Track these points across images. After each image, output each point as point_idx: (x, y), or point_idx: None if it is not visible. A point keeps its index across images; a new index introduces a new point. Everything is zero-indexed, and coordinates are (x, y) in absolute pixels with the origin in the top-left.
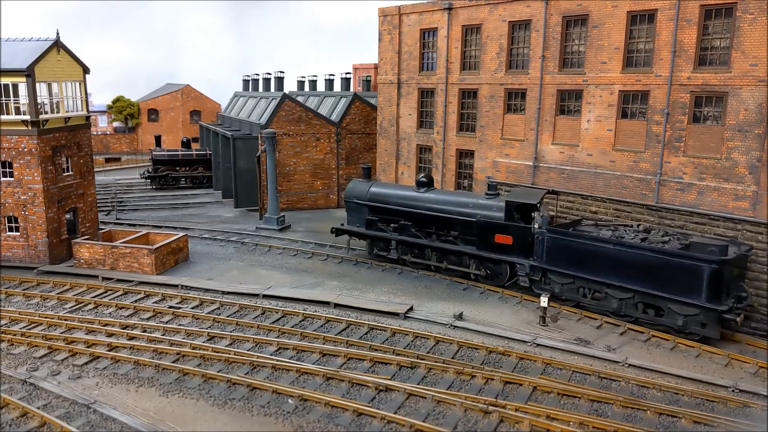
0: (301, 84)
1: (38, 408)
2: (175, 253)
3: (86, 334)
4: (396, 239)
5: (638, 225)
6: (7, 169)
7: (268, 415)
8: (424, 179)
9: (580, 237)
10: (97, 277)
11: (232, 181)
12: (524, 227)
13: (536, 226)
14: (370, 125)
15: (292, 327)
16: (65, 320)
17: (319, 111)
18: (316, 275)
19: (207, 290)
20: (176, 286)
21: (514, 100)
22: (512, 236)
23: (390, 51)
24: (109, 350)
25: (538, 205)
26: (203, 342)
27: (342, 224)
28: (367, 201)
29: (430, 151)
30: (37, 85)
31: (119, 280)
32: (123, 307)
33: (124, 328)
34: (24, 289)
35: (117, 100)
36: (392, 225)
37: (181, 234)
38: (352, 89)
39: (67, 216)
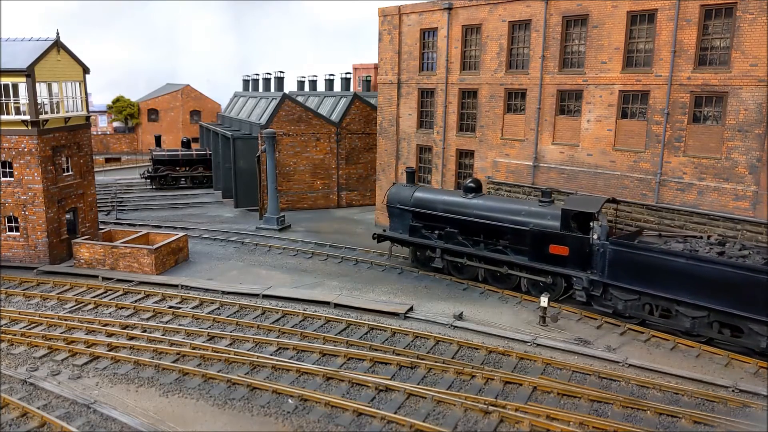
0: (301, 84)
1: (38, 408)
2: (175, 253)
3: (86, 334)
4: (441, 247)
5: (709, 237)
6: (7, 169)
7: (268, 415)
8: (472, 184)
9: (649, 250)
10: (97, 277)
11: (232, 181)
12: (582, 238)
13: (595, 236)
14: (370, 125)
15: (292, 327)
16: (65, 320)
17: (319, 111)
18: (316, 275)
19: (207, 290)
20: (176, 286)
21: (514, 100)
22: (568, 247)
23: (390, 51)
24: (109, 350)
25: (597, 214)
26: (203, 342)
27: (384, 230)
28: (410, 207)
29: (430, 151)
30: (37, 85)
31: (119, 280)
32: (123, 307)
33: (124, 328)
34: (24, 289)
35: (117, 100)
36: (437, 232)
37: (181, 234)
38: (352, 89)
39: (67, 216)
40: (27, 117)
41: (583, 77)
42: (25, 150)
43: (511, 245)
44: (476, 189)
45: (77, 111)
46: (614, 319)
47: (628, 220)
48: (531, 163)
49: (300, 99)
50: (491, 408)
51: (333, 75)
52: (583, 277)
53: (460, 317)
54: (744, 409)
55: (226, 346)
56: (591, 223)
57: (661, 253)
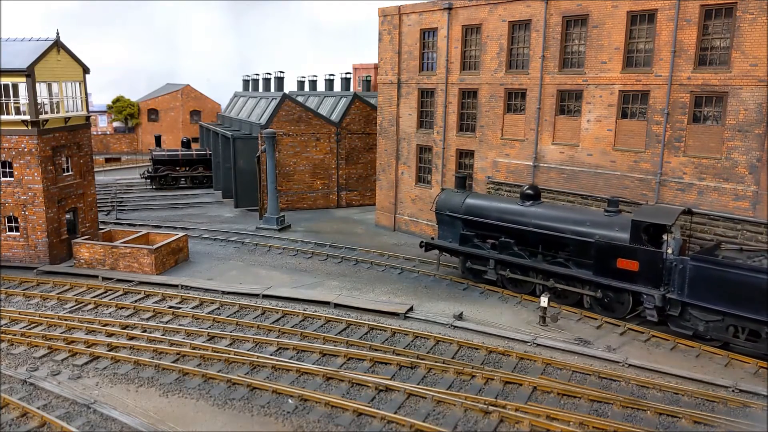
0: (301, 84)
1: (38, 408)
2: (175, 253)
3: (86, 334)
4: (495, 258)
5: None
6: (7, 169)
7: (268, 415)
8: (530, 191)
9: (737, 267)
10: (97, 277)
11: (232, 181)
12: (654, 252)
13: (669, 250)
14: (370, 125)
15: (292, 327)
16: (65, 320)
17: (319, 111)
18: (316, 275)
19: (207, 290)
20: (176, 286)
21: (514, 100)
22: (638, 261)
23: (390, 51)
24: (109, 350)
25: (671, 226)
26: (203, 342)
27: (433, 238)
28: (462, 214)
29: (430, 151)
30: (37, 85)
31: (119, 280)
32: (123, 307)
33: (124, 328)
34: (24, 289)
35: (117, 100)
36: (490, 242)
37: (181, 234)
38: (352, 89)
39: (67, 216)
40: (27, 117)
41: (583, 77)
42: (25, 150)
43: (574, 258)
44: (534, 196)
45: (77, 111)
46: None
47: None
48: (531, 163)
49: (300, 99)
50: (491, 408)
51: (333, 75)
52: (656, 294)
53: (460, 317)
54: (744, 409)
55: (226, 346)
56: (664, 236)
57: (750, 270)
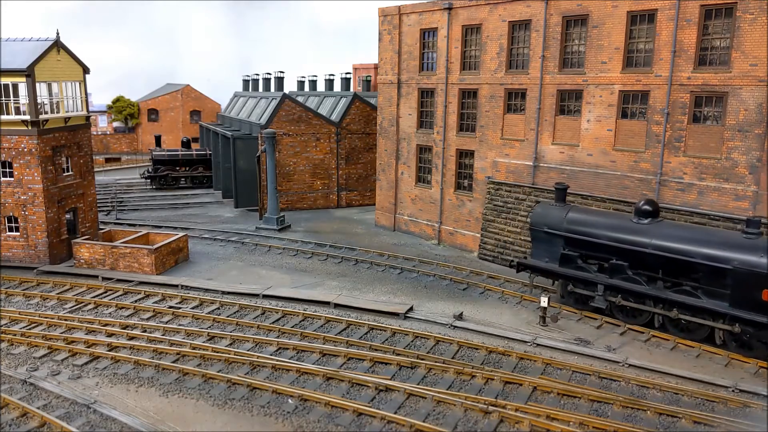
0: (301, 84)
1: (38, 408)
2: (175, 253)
3: (86, 334)
4: (604, 283)
5: None
6: (7, 169)
7: (268, 415)
8: (647, 207)
9: None
10: (97, 277)
11: (232, 181)
12: None
13: None
14: (370, 125)
15: (292, 327)
16: (65, 320)
17: (319, 111)
18: (316, 275)
19: (207, 290)
20: (176, 286)
21: (514, 100)
22: None
23: (390, 51)
24: (109, 350)
25: None
26: (203, 342)
27: (525, 257)
28: (563, 231)
29: (430, 151)
30: (37, 85)
31: (119, 280)
32: (123, 307)
33: (124, 328)
34: (24, 289)
35: (117, 100)
36: (598, 264)
37: (181, 234)
38: (352, 89)
39: (67, 216)
40: (27, 117)
41: (583, 77)
42: (25, 150)
43: (703, 286)
44: (653, 213)
45: (77, 111)
46: (614, 318)
47: None
48: (531, 163)
49: (300, 99)
50: (491, 408)
51: (333, 75)
52: None
53: (460, 317)
54: (744, 409)
55: (226, 346)
56: None
57: None
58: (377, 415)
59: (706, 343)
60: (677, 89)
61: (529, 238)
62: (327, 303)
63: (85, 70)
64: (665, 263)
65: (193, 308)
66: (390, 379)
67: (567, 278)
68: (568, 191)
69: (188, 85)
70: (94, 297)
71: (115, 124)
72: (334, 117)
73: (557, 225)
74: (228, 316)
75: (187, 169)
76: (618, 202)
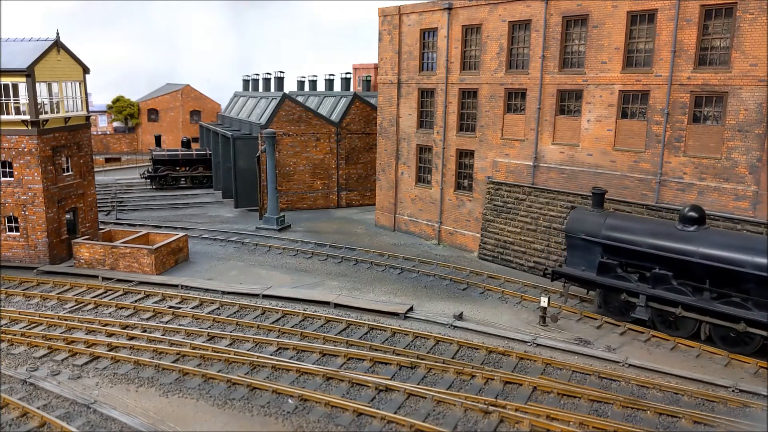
0: (301, 84)
1: (38, 408)
2: (175, 253)
3: (86, 334)
4: (646, 293)
5: None
6: (7, 169)
7: (268, 415)
8: (692, 213)
9: None
10: (97, 277)
11: (232, 181)
12: None
13: None
14: (370, 125)
15: (292, 327)
16: (65, 320)
17: (319, 111)
18: (316, 275)
19: (207, 290)
20: (176, 286)
21: (514, 100)
22: None
23: (390, 51)
24: (109, 350)
25: None
26: (203, 342)
27: (560, 264)
28: (601, 238)
29: (430, 151)
30: (37, 85)
31: (119, 280)
32: (123, 307)
33: (124, 328)
34: (24, 289)
35: (117, 100)
36: (639, 273)
37: (181, 234)
38: (352, 89)
39: (67, 216)
40: (27, 117)
41: (583, 77)
42: (25, 150)
43: (755, 297)
44: (699, 220)
45: (77, 111)
46: (614, 318)
47: None
48: (531, 163)
49: (300, 99)
50: (491, 408)
51: (333, 75)
52: None
53: (460, 317)
54: (744, 409)
55: (226, 346)
56: None
57: None
58: (377, 415)
59: (759, 357)
60: (677, 89)
61: (530, 239)
62: (327, 303)
63: (85, 70)
64: (713, 273)
65: (193, 308)
66: (390, 379)
67: (606, 288)
68: (567, 191)
69: (188, 85)
70: (94, 297)
71: (115, 124)
72: (334, 117)
73: (595, 232)
74: (228, 316)
75: (187, 169)
76: (618, 202)
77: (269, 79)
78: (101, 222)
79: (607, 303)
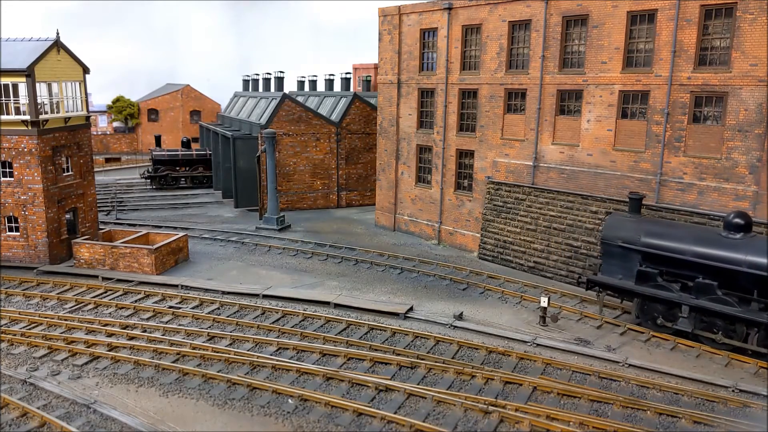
0: (301, 84)
1: (38, 408)
2: (175, 253)
3: (86, 334)
4: (690, 304)
5: None
6: (7, 169)
7: (268, 415)
8: (738, 220)
9: None
10: (97, 277)
11: (232, 181)
12: None
13: None
14: (370, 125)
15: (292, 327)
16: (65, 320)
17: (319, 111)
18: (316, 275)
19: (207, 290)
20: (176, 286)
21: (514, 100)
22: None
23: (390, 51)
24: (109, 350)
25: None
26: (203, 342)
27: (596, 273)
28: (641, 246)
29: (430, 151)
30: (37, 85)
31: (119, 280)
32: (123, 307)
33: (124, 328)
34: (24, 289)
35: (117, 100)
36: (681, 282)
37: (181, 234)
38: (352, 89)
39: (67, 216)
40: (27, 117)
41: (583, 77)
42: (25, 150)
43: None
44: (745, 227)
45: (77, 111)
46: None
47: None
48: (531, 163)
49: (300, 99)
50: (491, 408)
51: (333, 75)
52: None
53: (460, 317)
54: (744, 409)
55: (226, 346)
56: None
57: None
58: (377, 415)
59: None
60: (677, 89)
61: (529, 239)
62: (327, 303)
63: (85, 70)
64: (761, 283)
65: (193, 308)
66: (390, 379)
67: (645, 298)
68: (567, 191)
69: (188, 85)
70: (94, 297)
71: (115, 124)
72: (334, 117)
73: (633, 239)
74: (228, 316)
75: (187, 169)
76: (618, 202)
77: (269, 79)
78: (101, 222)
79: (646, 313)
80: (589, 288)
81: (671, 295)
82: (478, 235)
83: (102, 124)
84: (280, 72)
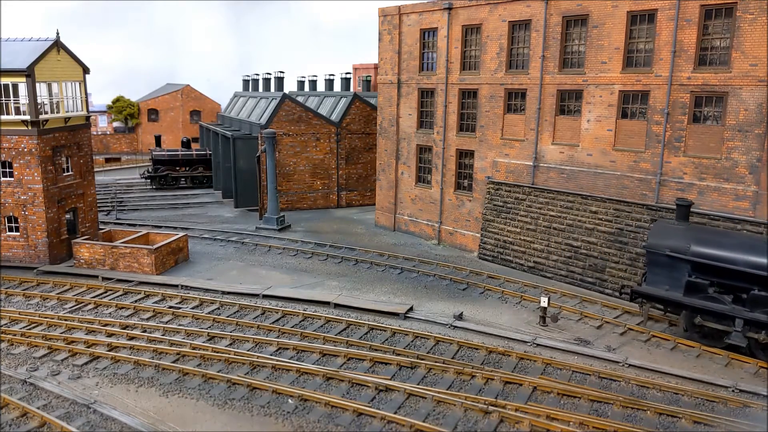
0: (301, 84)
1: (38, 408)
2: (175, 253)
3: (86, 334)
4: (744, 317)
5: None
6: (7, 169)
7: (268, 415)
8: None
9: None
10: (97, 277)
11: (232, 181)
12: None
13: None
14: (370, 125)
15: (292, 327)
16: (65, 320)
17: (319, 111)
18: (316, 275)
19: (207, 290)
20: (176, 286)
21: (514, 100)
22: None
23: (390, 51)
24: (109, 350)
25: None
26: (203, 342)
27: (640, 283)
28: (690, 255)
29: (430, 151)
30: (37, 85)
31: (119, 280)
32: (123, 307)
33: (124, 328)
34: (24, 289)
35: (117, 100)
36: (732, 294)
37: (181, 234)
38: (352, 89)
39: (67, 216)
40: (27, 117)
41: (583, 77)
42: (25, 150)
43: None
44: None
45: (77, 111)
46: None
47: (628, 220)
48: (531, 163)
49: (300, 99)
50: (491, 408)
51: (333, 75)
52: None
53: (460, 317)
54: (744, 409)
55: (226, 346)
56: None
57: None
58: (377, 415)
59: None
60: (677, 89)
61: (529, 239)
62: (327, 303)
63: (85, 70)
64: None
65: (193, 308)
66: (390, 379)
67: (695, 310)
68: (567, 191)
69: (188, 85)
70: (94, 297)
71: (115, 124)
72: (334, 117)
73: (682, 248)
74: (228, 316)
75: (187, 169)
76: (617, 202)
77: (269, 79)
78: (101, 222)
79: (695, 326)
80: (632, 299)
81: (724, 308)
82: (478, 235)
83: (102, 124)
84: (280, 72)
